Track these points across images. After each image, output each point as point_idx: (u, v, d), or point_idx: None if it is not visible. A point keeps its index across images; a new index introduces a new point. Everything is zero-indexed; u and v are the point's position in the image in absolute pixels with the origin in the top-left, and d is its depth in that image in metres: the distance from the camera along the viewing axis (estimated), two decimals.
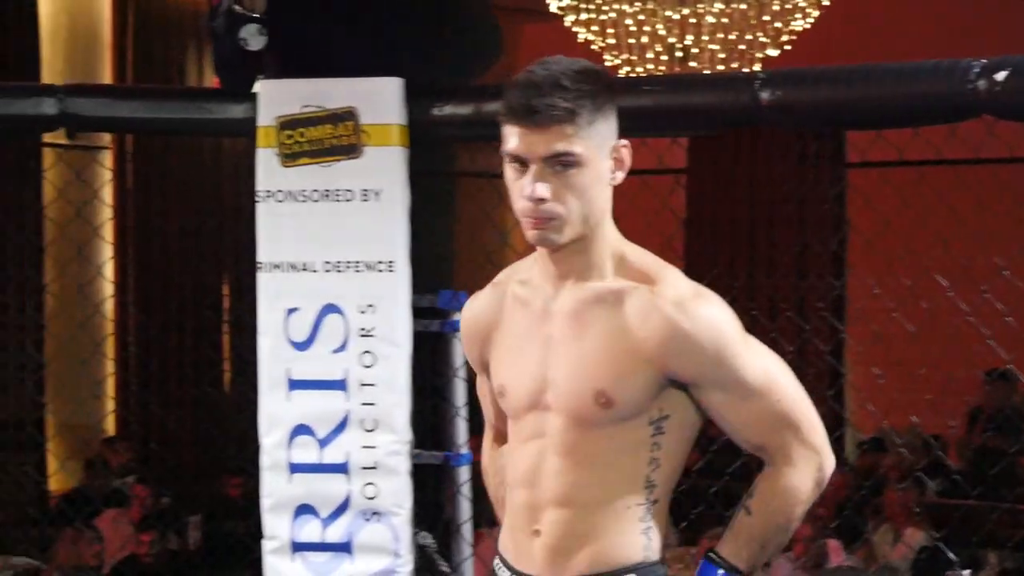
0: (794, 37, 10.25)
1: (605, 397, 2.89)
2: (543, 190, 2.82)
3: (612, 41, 10.50)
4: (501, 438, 3.23)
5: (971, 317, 4.26)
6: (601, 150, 2.87)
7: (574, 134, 2.82)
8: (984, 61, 3.91)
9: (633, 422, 2.91)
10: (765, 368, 2.94)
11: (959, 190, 4.13)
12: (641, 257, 2.97)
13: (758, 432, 2.95)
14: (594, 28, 10.51)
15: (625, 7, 10.33)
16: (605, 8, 10.41)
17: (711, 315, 2.89)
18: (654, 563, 3.00)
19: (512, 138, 2.85)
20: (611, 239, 2.96)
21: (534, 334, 2.99)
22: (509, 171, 2.88)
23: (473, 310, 3.15)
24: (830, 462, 2.97)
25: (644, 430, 2.92)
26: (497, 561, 3.13)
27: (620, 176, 2.92)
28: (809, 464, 2.96)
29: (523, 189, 2.84)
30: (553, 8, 10.50)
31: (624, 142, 2.91)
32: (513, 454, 3.07)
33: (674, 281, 2.93)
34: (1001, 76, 3.83)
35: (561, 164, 2.82)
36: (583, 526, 2.96)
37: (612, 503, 2.95)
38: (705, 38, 10.28)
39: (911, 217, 4.54)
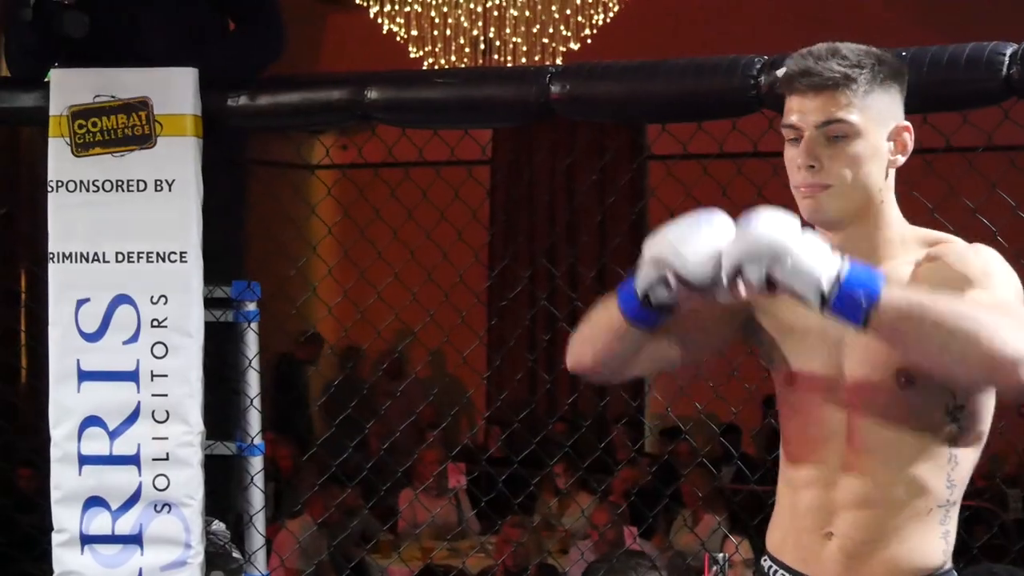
0: (595, 31, 10.36)
1: (905, 375, 2.77)
2: (811, 157, 2.76)
3: (416, 33, 10.53)
4: None
5: None
6: (879, 125, 2.80)
7: (848, 103, 2.76)
8: (765, 57, 4.00)
9: (931, 411, 2.80)
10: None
11: (740, 182, 4.22)
12: (928, 231, 2.91)
13: None
14: (399, 20, 10.53)
15: None
16: (411, 0, 10.43)
17: (994, 253, 2.81)
18: (949, 570, 2.90)
19: (789, 109, 2.82)
20: (897, 223, 2.88)
21: (820, 324, 2.83)
22: (787, 148, 2.83)
23: None
24: None
25: (941, 420, 2.81)
26: (769, 563, 3.02)
27: (901, 159, 2.85)
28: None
29: (796, 159, 2.79)
30: None
31: (907, 124, 2.85)
32: (800, 451, 2.95)
33: (956, 239, 2.87)
34: (781, 72, 3.93)
35: (834, 133, 2.76)
36: (882, 529, 2.85)
37: (913, 503, 2.84)
38: (508, 31, 10.36)
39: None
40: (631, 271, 2.88)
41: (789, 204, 2.94)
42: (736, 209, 2.79)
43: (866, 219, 2.84)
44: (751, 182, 4.11)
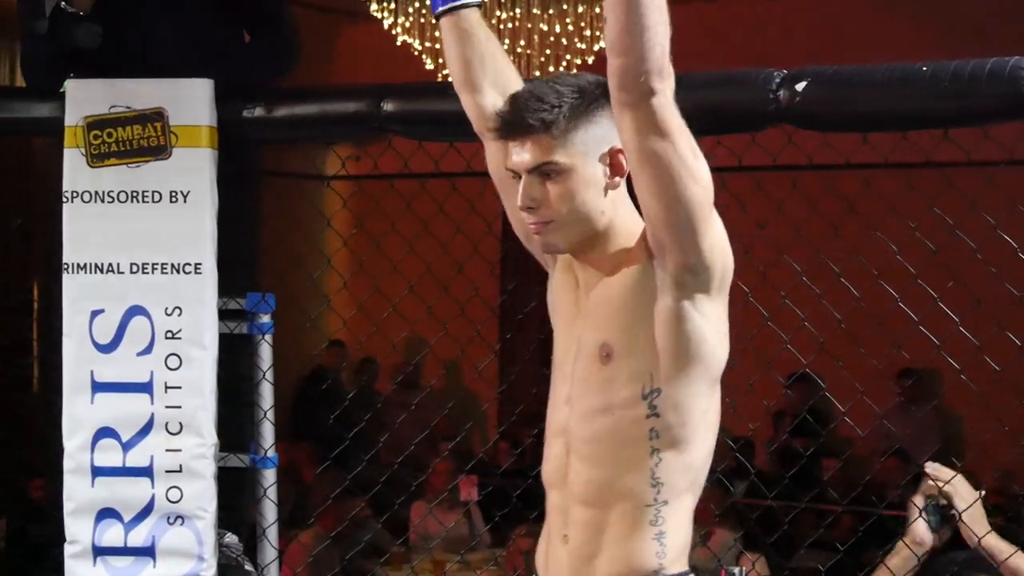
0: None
1: (607, 349, 2.94)
2: (528, 200, 2.95)
3: (430, 44, 10.51)
4: None
5: (771, 323, 4.35)
6: (588, 155, 2.93)
7: (551, 144, 2.91)
8: (785, 71, 3.97)
9: (629, 395, 2.91)
10: None
11: (758, 196, 4.21)
12: None
13: None
14: (413, 32, 10.52)
15: None
16: (425, 12, 10.42)
17: None
18: (676, 575, 2.97)
19: (508, 154, 2.99)
20: (627, 237, 2.99)
21: (571, 302, 3.10)
22: (513, 187, 3.01)
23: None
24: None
25: (640, 408, 2.91)
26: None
27: (619, 180, 2.97)
28: None
29: (518, 200, 2.98)
30: (372, 10, 10.49)
31: (620, 147, 2.91)
32: (546, 446, 3.12)
33: None
34: (801, 86, 3.91)
35: (544, 173, 2.93)
36: (600, 529, 2.96)
37: (621, 502, 2.94)
38: (523, 43, 10.35)
39: None
40: None
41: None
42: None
43: (597, 240, 2.99)
44: (770, 196, 4.08)
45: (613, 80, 2.77)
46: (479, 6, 3.28)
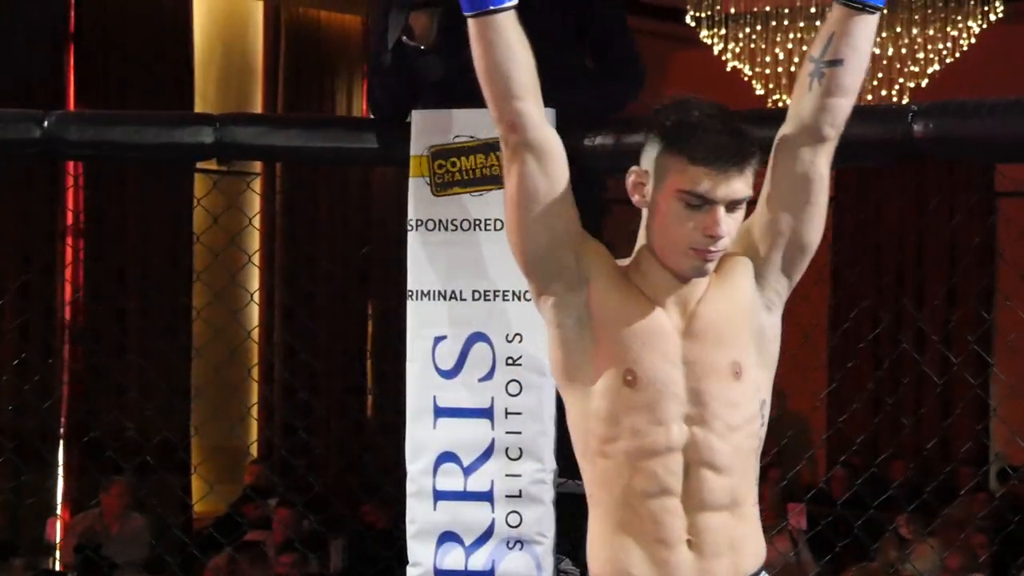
0: (941, 67, 10.17)
1: (737, 367, 3.03)
2: (724, 230, 2.97)
3: (759, 70, 10.48)
4: None
5: None
6: None
7: (750, 176, 2.98)
8: None
9: (751, 410, 3.05)
10: None
11: None
12: None
13: None
14: (743, 57, 10.50)
15: (774, 36, 10.31)
16: (754, 37, 10.40)
17: None
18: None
19: (697, 179, 2.95)
20: None
21: (662, 320, 3.06)
22: (677, 205, 2.99)
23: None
24: None
25: (757, 422, 3.07)
26: None
27: None
28: None
29: (703, 226, 2.95)
30: (702, 36, 10.50)
31: None
32: (642, 457, 3.08)
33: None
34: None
35: (740, 206, 2.99)
36: (733, 529, 3.06)
37: (744, 505, 3.09)
38: None
39: None
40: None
41: None
42: None
43: None
44: None
45: (828, 116, 3.01)
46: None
